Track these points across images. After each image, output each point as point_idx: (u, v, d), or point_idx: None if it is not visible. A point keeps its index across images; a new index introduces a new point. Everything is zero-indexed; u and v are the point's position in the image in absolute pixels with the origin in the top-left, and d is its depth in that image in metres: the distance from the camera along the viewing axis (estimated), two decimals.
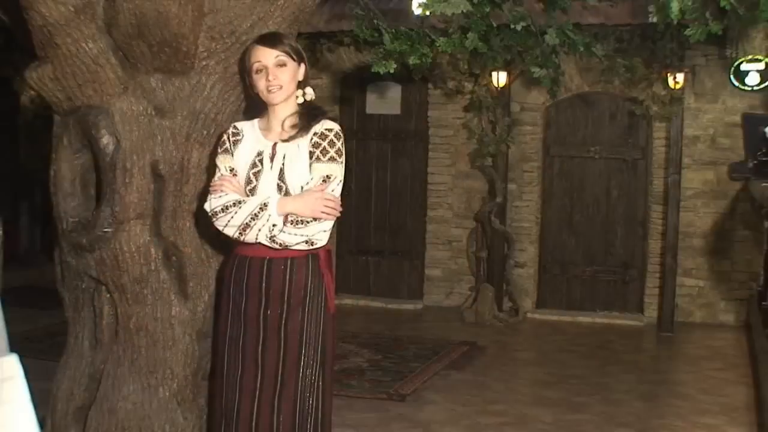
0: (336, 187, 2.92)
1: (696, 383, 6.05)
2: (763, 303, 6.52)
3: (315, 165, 2.91)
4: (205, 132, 3.21)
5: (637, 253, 8.27)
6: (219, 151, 3.03)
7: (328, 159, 2.91)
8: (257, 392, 2.92)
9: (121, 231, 3.09)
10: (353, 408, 5.17)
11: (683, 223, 7.93)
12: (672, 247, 7.79)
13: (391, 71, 4.53)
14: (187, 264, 3.23)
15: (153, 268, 3.14)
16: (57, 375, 3.31)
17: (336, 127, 2.98)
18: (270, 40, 3.00)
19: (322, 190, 2.88)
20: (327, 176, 2.90)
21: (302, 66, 3.03)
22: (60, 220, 3.20)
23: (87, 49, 2.96)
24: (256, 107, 3.12)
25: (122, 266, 3.11)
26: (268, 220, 2.85)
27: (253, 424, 2.91)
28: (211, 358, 3.28)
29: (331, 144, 2.93)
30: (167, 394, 3.19)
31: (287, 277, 2.92)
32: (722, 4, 3.12)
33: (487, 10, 4.14)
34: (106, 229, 3.08)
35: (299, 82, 3.02)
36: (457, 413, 5.22)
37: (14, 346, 2.84)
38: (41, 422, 2.72)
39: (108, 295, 3.20)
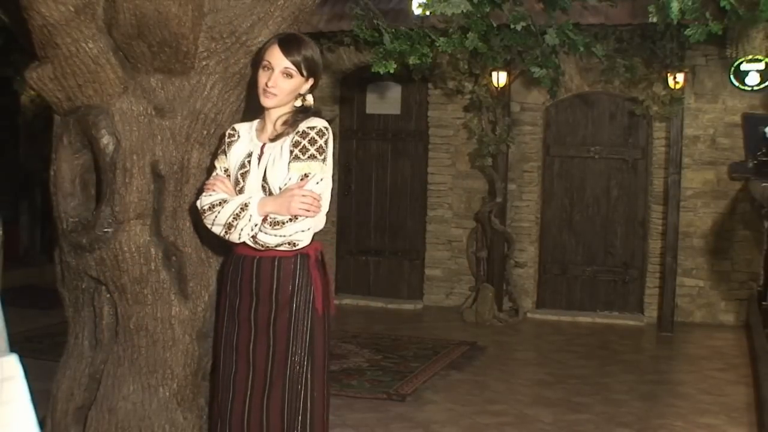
0: (315, 186, 2.85)
1: (696, 383, 6.05)
2: (763, 303, 6.52)
3: (293, 164, 2.86)
4: (205, 132, 3.21)
5: (637, 253, 8.27)
6: (218, 152, 3.05)
7: (308, 157, 2.85)
8: (248, 391, 2.92)
9: (121, 231, 3.09)
10: (353, 408, 5.17)
11: (683, 223, 7.93)
12: (672, 247, 7.80)
13: (391, 71, 4.54)
14: (187, 264, 3.22)
15: (153, 268, 3.14)
16: (57, 375, 3.30)
17: (320, 124, 2.90)
18: (289, 46, 2.92)
19: (300, 188, 2.83)
20: (305, 174, 2.84)
21: (310, 81, 2.96)
22: (60, 220, 3.20)
23: (87, 49, 2.95)
24: (257, 108, 3.11)
25: (122, 266, 3.11)
26: (249, 220, 2.83)
27: (245, 423, 2.92)
28: (211, 358, 3.28)
29: (312, 142, 2.86)
30: (167, 394, 3.19)
31: (275, 276, 2.91)
32: (722, 4, 3.13)
33: (487, 10, 4.15)
34: (106, 229, 3.08)
35: (301, 93, 2.97)
36: (457, 413, 5.22)
37: (14, 346, 2.85)
38: (41, 422, 2.72)
39: (108, 295, 3.20)
